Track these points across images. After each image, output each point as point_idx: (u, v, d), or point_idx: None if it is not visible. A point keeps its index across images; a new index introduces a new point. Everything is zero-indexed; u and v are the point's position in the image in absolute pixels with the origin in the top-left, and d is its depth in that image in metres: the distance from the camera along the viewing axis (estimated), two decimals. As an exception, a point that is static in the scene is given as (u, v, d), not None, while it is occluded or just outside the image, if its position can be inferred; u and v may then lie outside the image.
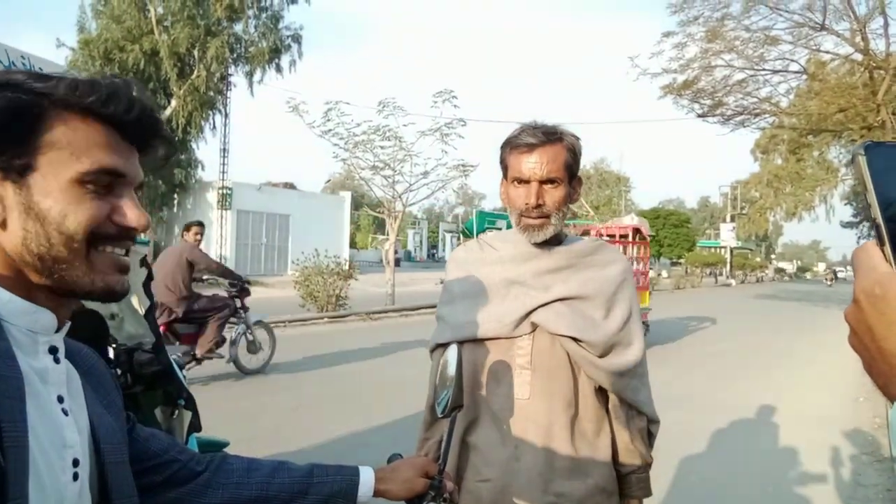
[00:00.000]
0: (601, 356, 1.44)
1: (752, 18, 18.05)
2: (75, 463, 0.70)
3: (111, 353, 2.48)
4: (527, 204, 1.42)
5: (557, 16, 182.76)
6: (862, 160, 0.48)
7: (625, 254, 18.10)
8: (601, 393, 1.49)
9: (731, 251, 49.36)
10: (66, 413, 0.71)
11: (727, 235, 50.27)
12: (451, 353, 1.28)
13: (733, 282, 43.75)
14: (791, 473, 4.89)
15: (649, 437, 1.59)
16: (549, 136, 1.42)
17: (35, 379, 0.68)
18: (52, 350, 0.72)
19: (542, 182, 1.41)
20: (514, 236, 1.54)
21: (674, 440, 5.51)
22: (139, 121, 0.73)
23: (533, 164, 1.40)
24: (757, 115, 20.15)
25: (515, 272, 1.50)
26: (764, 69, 18.80)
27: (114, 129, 0.72)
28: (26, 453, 0.61)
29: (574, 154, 1.46)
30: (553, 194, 1.43)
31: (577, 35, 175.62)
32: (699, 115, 20.26)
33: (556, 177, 1.41)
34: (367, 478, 1.05)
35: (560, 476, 1.41)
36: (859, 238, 36.97)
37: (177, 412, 2.56)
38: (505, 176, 1.50)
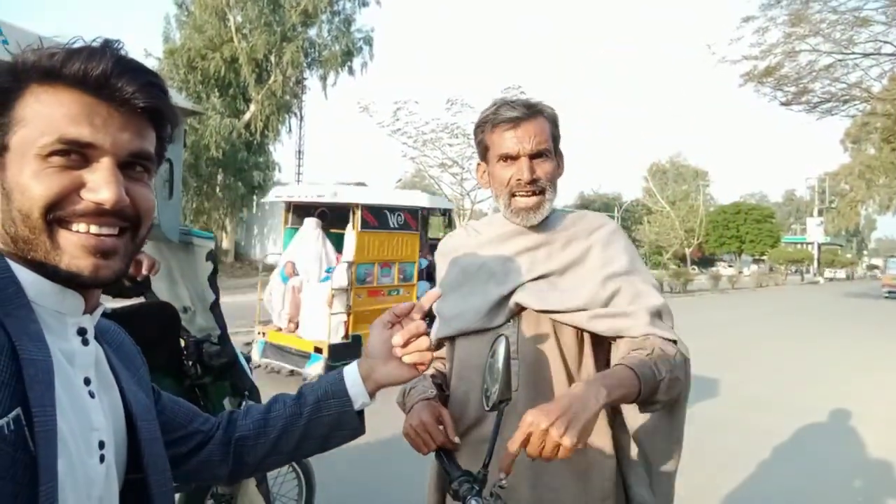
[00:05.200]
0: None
1: (840, -1, 16.99)
2: (101, 445, 0.71)
3: (182, 344, 2.60)
4: (518, 180, 1.35)
5: (628, 4, 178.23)
6: None
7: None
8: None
9: (819, 247, 46.77)
10: (92, 395, 0.71)
11: (814, 231, 47.64)
12: (500, 346, 1.25)
13: (821, 279, 41.44)
14: (883, 484, 4.58)
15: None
16: (531, 108, 1.35)
17: (63, 361, 0.68)
18: (81, 331, 0.72)
19: (531, 157, 1.34)
20: (498, 219, 1.47)
21: (751, 444, 5.27)
22: (108, 76, 0.66)
23: (520, 138, 1.34)
24: (846, 101, 18.95)
25: (495, 255, 1.44)
26: (854, 52, 17.63)
27: (86, 94, 0.67)
28: (55, 438, 0.61)
29: (556, 125, 1.39)
30: (544, 167, 1.36)
31: (650, 23, 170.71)
32: (783, 104, 19.25)
33: (544, 148, 1.35)
34: (351, 369, 0.99)
35: (550, 472, 1.32)
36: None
37: (243, 404, 2.65)
38: (483, 158, 1.43)
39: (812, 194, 52.64)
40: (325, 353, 6.45)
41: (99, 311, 0.76)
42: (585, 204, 46.17)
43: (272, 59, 24.50)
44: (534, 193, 1.36)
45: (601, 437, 1.36)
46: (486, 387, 1.23)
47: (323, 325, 6.62)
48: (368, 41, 26.50)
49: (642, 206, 42.21)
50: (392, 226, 7.07)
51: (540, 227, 1.42)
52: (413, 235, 7.37)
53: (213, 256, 2.47)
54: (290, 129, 27.00)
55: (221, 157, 23.43)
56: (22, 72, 0.67)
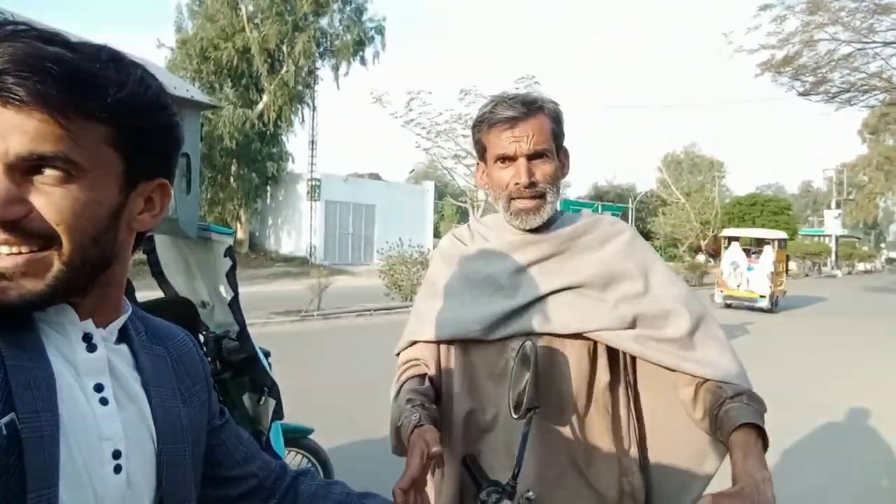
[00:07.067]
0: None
1: (861, -14, 16.66)
2: (116, 455, 0.66)
3: (201, 340, 2.58)
4: (517, 184, 1.29)
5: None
6: None
7: None
8: (618, 389, 1.35)
9: (837, 240, 46.24)
10: (105, 402, 0.67)
11: (832, 223, 47.07)
12: (528, 354, 1.20)
13: (839, 273, 40.99)
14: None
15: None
16: (530, 105, 1.28)
17: (64, 369, 0.64)
18: (87, 337, 0.68)
19: (529, 157, 1.28)
20: (501, 223, 1.40)
21: (773, 442, 5.17)
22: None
23: (518, 138, 1.27)
24: (865, 91, 18.68)
25: (503, 268, 1.36)
26: (874, 41, 17.31)
27: None
28: (51, 445, 0.58)
29: (558, 122, 1.33)
30: (544, 169, 1.30)
31: (665, 11, 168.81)
32: (800, 94, 19.02)
33: (544, 149, 1.29)
34: None
35: (562, 486, 1.28)
36: None
37: (263, 399, 2.63)
38: (482, 158, 1.37)
39: (829, 186, 52.04)
40: (767, 298, 15.68)
41: (116, 323, 0.71)
42: (599, 195, 45.99)
43: (284, 48, 24.49)
44: (532, 198, 1.31)
45: (610, 446, 1.33)
46: (514, 394, 1.19)
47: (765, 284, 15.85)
48: (380, 31, 26.44)
49: (657, 198, 41.89)
50: (781, 246, 17.14)
51: (549, 234, 1.36)
52: (783, 251, 17.17)
53: (231, 252, 2.44)
54: (302, 120, 27.02)
55: (235, 148, 23.50)
56: None
